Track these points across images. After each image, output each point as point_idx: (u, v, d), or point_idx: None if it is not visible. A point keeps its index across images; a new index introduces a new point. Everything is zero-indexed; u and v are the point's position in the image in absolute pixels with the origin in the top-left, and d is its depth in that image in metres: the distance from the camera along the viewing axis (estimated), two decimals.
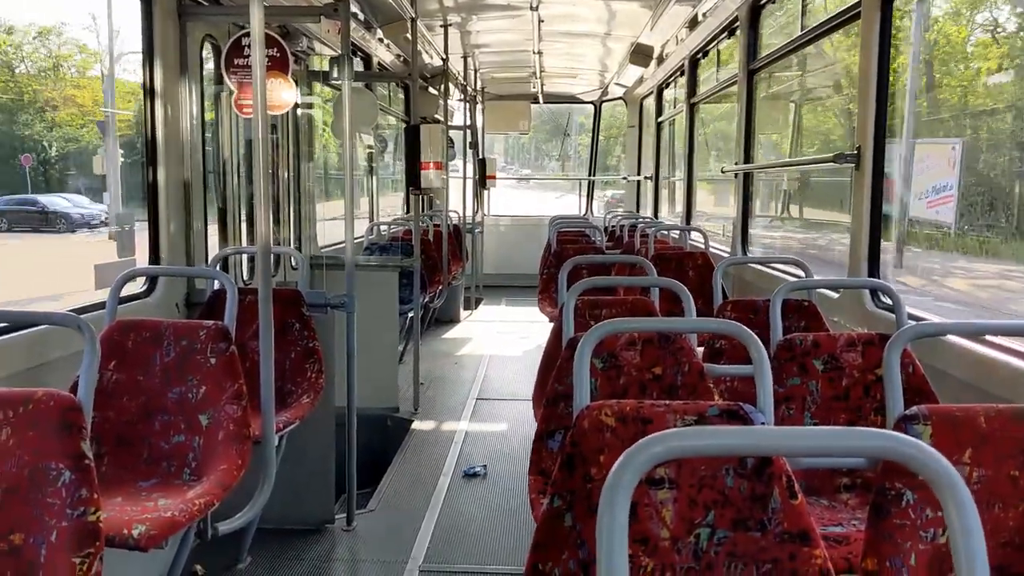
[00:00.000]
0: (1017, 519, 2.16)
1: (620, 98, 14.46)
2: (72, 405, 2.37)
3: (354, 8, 7.39)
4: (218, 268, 4.92)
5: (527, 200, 17.45)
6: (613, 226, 10.14)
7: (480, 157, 12.84)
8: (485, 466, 5.74)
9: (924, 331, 2.74)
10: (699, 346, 4.10)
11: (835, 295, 4.74)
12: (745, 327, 2.47)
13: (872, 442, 1.29)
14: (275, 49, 4.69)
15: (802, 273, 4.73)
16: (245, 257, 5.94)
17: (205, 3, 4.86)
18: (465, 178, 11.99)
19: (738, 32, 7.19)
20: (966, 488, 1.23)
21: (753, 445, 1.34)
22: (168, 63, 4.54)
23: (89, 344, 2.78)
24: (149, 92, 4.46)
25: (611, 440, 2.18)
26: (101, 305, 3.88)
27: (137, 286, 4.48)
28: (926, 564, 2.07)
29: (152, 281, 4.53)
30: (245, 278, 5.95)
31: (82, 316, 2.94)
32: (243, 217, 6.12)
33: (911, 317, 3.68)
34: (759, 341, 2.40)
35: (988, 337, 3.38)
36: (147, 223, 4.60)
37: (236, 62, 4.65)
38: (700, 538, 2.09)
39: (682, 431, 1.27)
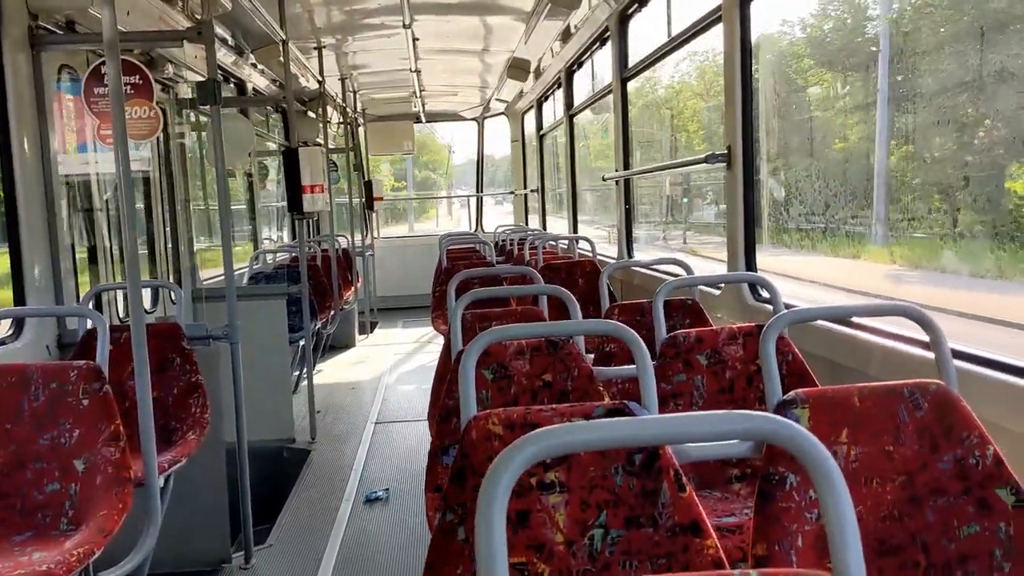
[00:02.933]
0: (894, 492, 2.23)
1: (502, 113, 14.57)
2: None
3: (223, 33, 7.23)
4: (91, 306, 4.70)
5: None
6: (503, 240, 10.18)
7: (366, 179, 12.71)
8: (387, 490, 5.65)
9: (795, 318, 2.82)
10: (590, 352, 4.14)
11: (717, 292, 4.85)
12: (626, 326, 2.49)
13: (747, 424, 1.31)
14: (137, 76, 4.53)
15: (684, 272, 4.83)
16: (120, 294, 5.71)
17: (59, 32, 4.65)
18: (351, 200, 11.85)
19: (609, 42, 7.33)
20: (835, 463, 1.25)
21: (630, 435, 1.33)
22: (23, 96, 4.32)
23: None
24: (2, 127, 4.24)
25: (500, 448, 2.15)
26: None
27: (2, 331, 4.25)
28: (812, 544, 2.11)
29: (19, 324, 4.29)
30: (121, 315, 5.71)
31: None
32: (116, 255, 5.89)
33: (787, 307, 3.79)
34: (640, 339, 2.42)
35: (859, 320, 3.52)
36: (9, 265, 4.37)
37: (96, 91, 4.47)
38: (594, 539, 2.08)
39: (558, 427, 1.26)
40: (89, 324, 4.33)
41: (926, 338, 3.03)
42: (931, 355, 2.98)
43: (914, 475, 2.23)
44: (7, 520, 3.23)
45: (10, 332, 4.30)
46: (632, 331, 2.44)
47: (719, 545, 2.06)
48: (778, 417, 1.29)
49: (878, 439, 2.25)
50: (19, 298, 4.37)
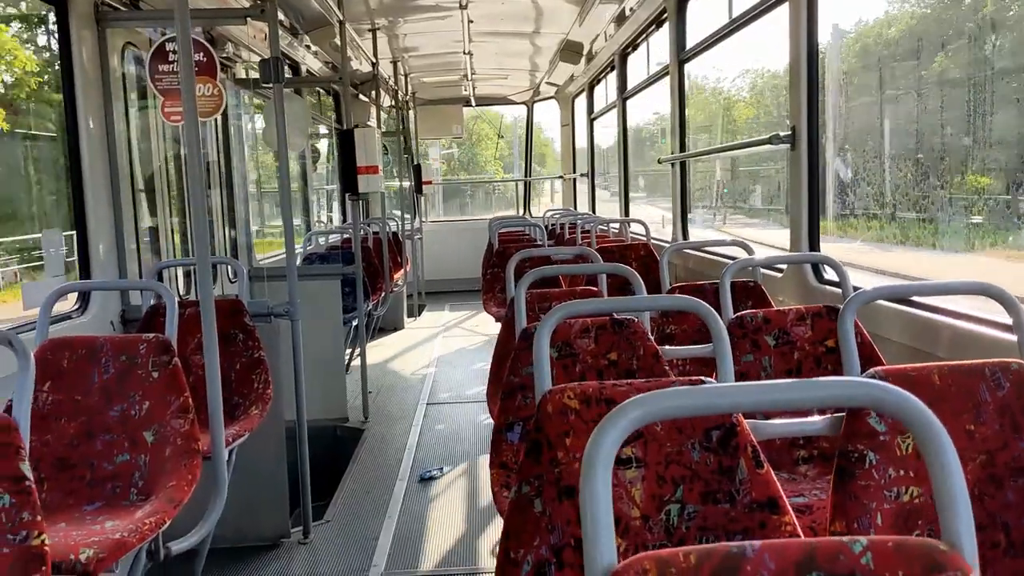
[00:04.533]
0: (975, 472, 2.18)
1: (552, 97, 14.49)
2: (7, 425, 2.25)
3: (279, 15, 7.27)
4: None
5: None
6: (552, 224, 10.15)
7: (415, 163, 12.74)
8: (441, 468, 5.67)
9: (875, 295, 2.76)
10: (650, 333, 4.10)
11: (779, 275, 4.78)
12: (702, 301, 2.45)
13: (855, 390, 1.28)
14: (201, 53, 4.56)
15: (746, 255, 4.76)
16: (180, 272, 5.78)
17: (124, 8, 4.70)
18: (401, 184, 11.90)
19: (666, 24, 7.24)
20: (943, 429, 1.22)
21: (733, 402, 1.31)
22: (88, 73, 4.38)
23: (22, 358, 2.65)
24: (70, 104, 4.30)
25: (575, 422, 2.14)
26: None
27: (69, 305, 4.32)
28: (891, 523, 2.08)
29: (85, 299, 4.37)
30: (182, 292, 5.79)
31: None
32: (175, 234, 5.97)
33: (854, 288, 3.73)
34: (716, 314, 2.39)
35: (929, 300, 3.45)
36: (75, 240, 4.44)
37: (160, 69, 4.51)
38: (671, 514, 2.06)
39: (663, 392, 1.24)
40: (153, 300, 4.39)
41: (995, 318, 2.97)
42: (1003, 335, 2.92)
43: (995, 454, 2.19)
44: (77, 490, 3.29)
45: (76, 307, 4.38)
46: (708, 307, 2.40)
47: (796, 522, 2.03)
48: (887, 384, 1.26)
49: (958, 418, 2.20)
50: (84, 274, 4.45)
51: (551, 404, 2.16)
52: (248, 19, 4.57)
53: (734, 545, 1.15)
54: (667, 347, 3.74)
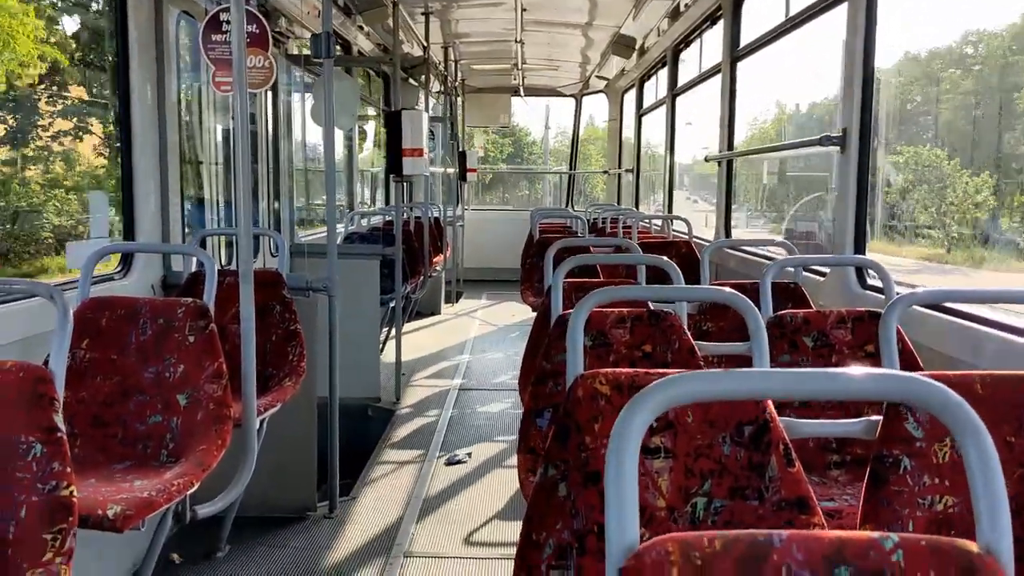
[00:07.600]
0: (1014, 485, 2.12)
1: (601, 91, 14.41)
2: (43, 376, 2.27)
3: None
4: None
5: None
6: (594, 218, 10.10)
7: (461, 150, 12.75)
8: (469, 453, 5.68)
9: (920, 299, 2.70)
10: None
11: (820, 278, 4.71)
12: (741, 295, 2.41)
13: (894, 384, 1.24)
14: (254, 25, 4.59)
15: (787, 255, 4.70)
16: (223, 241, 5.84)
17: None
18: (446, 170, 11.93)
19: (721, 20, 7.16)
20: (983, 426, 1.18)
21: (770, 388, 1.28)
22: (143, 41, 4.43)
23: (61, 313, 2.68)
24: (123, 70, 4.35)
25: (605, 408, 2.12)
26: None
27: (112, 267, 4.37)
28: (923, 530, 2.03)
29: (127, 262, 4.42)
30: (223, 262, 5.84)
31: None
32: (221, 205, 6.02)
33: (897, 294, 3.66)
34: (755, 308, 2.35)
35: (975, 310, 3.37)
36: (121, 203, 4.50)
37: (213, 38, 4.54)
38: (696, 507, 2.03)
39: (696, 374, 1.21)
40: (194, 267, 4.44)
41: None
42: None
43: None
44: (108, 448, 3.33)
45: (119, 269, 4.43)
46: (748, 300, 2.37)
47: (824, 523, 1.99)
48: (928, 379, 1.22)
49: (998, 428, 2.14)
50: (129, 237, 4.50)
51: (582, 389, 2.14)
52: None
53: (761, 533, 1.13)
54: (704, 342, 3.69)
